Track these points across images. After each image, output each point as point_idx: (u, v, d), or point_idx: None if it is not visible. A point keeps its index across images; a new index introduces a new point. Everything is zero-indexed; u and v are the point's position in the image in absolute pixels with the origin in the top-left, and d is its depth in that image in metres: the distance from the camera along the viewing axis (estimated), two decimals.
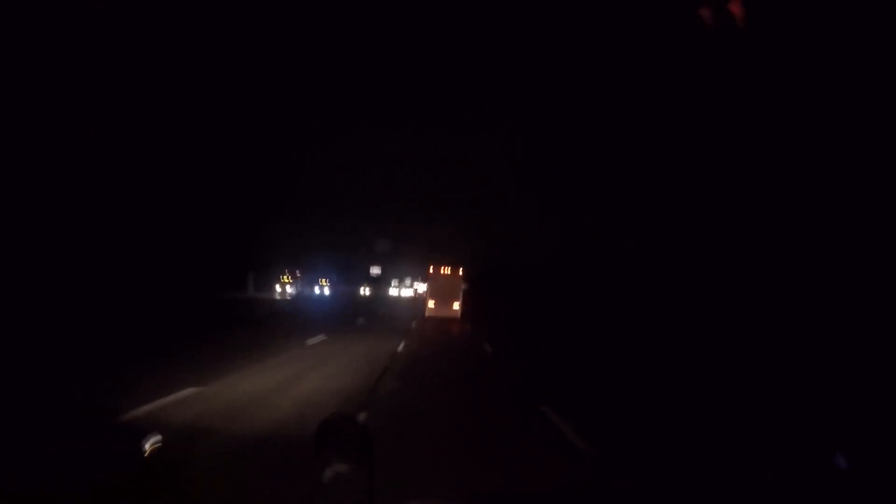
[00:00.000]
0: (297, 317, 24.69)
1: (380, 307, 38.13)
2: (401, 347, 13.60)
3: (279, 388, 7.84)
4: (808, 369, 10.73)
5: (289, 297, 43.30)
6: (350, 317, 24.74)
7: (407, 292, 71.11)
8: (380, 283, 72.01)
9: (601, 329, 21.34)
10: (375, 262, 62.80)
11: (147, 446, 2.07)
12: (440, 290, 28.69)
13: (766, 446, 5.59)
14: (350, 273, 68.37)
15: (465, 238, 53.06)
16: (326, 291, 56.31)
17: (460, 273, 29.09)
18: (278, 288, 44.69)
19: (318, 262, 54.47)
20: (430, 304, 28.66)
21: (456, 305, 28.23)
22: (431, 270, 29.41)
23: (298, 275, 47.66)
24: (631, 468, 5.02)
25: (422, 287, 55.43)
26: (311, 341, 13.56)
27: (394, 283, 76.60)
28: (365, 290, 69.62)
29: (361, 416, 6.48)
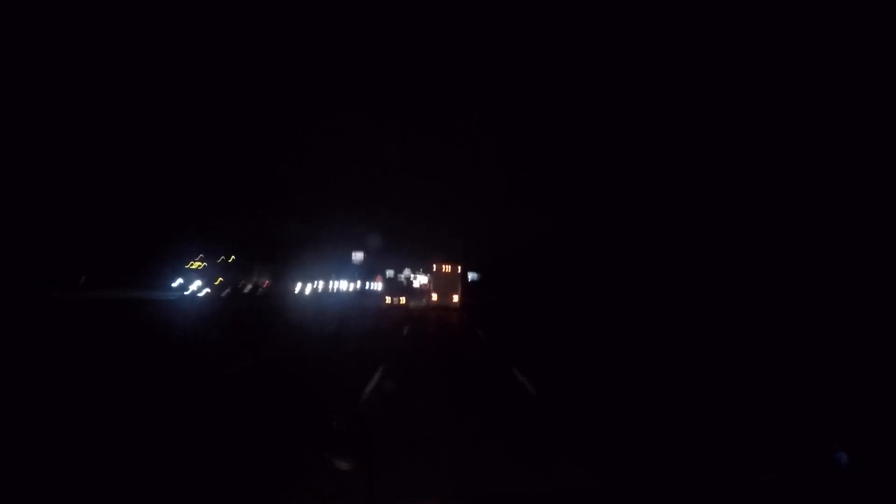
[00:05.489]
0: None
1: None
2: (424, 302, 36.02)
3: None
4: (808, 367, 10.72)
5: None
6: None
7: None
8: (366, 275, 67.78)
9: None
10: (358, 249, 60.09)
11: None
12: (441, 285, 32.80)
13: (766, 446, 5.59)
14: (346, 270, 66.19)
15: (458, 231, 53.80)
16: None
17: (458, 269, 33.45)
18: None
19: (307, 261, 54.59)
20: (434, 296, 32.92)
21: (455, 297, 32.43)
22: (434, 268, 33.52)
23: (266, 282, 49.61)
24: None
25: (422, 279, 56.41)
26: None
27: (388, 273, 75.59)
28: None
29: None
